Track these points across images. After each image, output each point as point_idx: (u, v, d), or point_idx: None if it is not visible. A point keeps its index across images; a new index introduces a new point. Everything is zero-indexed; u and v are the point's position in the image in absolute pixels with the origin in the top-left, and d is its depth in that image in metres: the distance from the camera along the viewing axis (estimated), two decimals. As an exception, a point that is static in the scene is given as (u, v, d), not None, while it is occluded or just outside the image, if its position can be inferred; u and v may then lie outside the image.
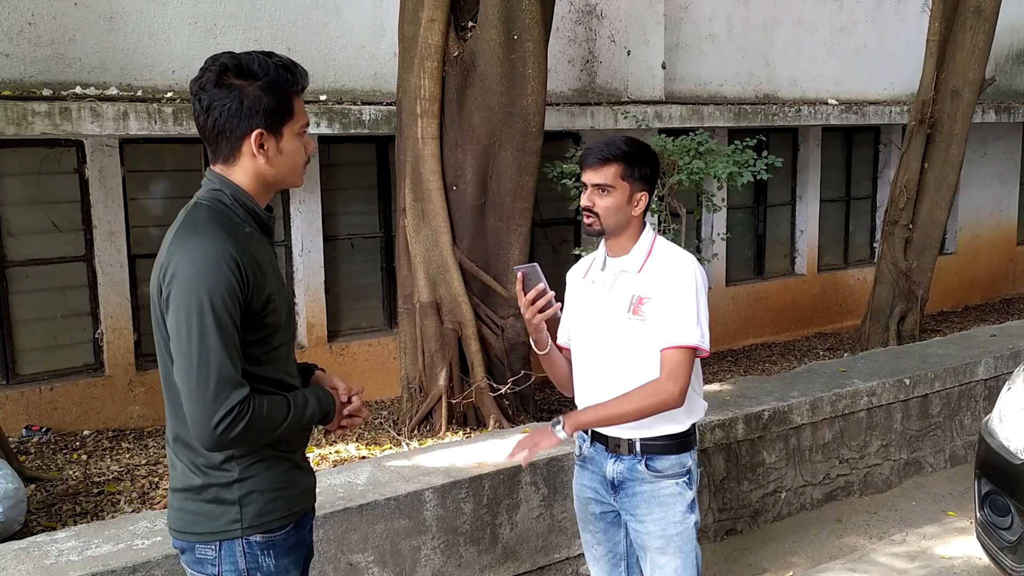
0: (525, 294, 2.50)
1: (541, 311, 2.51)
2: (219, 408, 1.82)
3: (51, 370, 6.43)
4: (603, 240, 2.68)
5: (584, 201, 2.59)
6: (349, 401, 2.19)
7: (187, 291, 1.84)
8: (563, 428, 2.53)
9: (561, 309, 2.65)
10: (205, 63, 1.97)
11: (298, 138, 2.03)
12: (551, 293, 2.45)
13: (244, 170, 1.99)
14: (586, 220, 2.59)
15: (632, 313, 2.55)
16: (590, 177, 2.57)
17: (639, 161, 2.57)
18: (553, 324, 2.67)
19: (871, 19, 10.19)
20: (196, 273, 1.84)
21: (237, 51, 2.00)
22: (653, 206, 2.62)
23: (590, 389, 2.69)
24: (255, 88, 1.94)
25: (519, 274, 2.47)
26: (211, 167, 2.03)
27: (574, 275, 2.81)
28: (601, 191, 2.55)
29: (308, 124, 2.07)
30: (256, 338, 1.95)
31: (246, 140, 1.96)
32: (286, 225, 7.24)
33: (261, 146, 1.97)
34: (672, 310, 2.51)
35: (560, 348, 2.81)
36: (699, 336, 2.49)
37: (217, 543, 1.97)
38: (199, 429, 1.84)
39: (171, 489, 2.05)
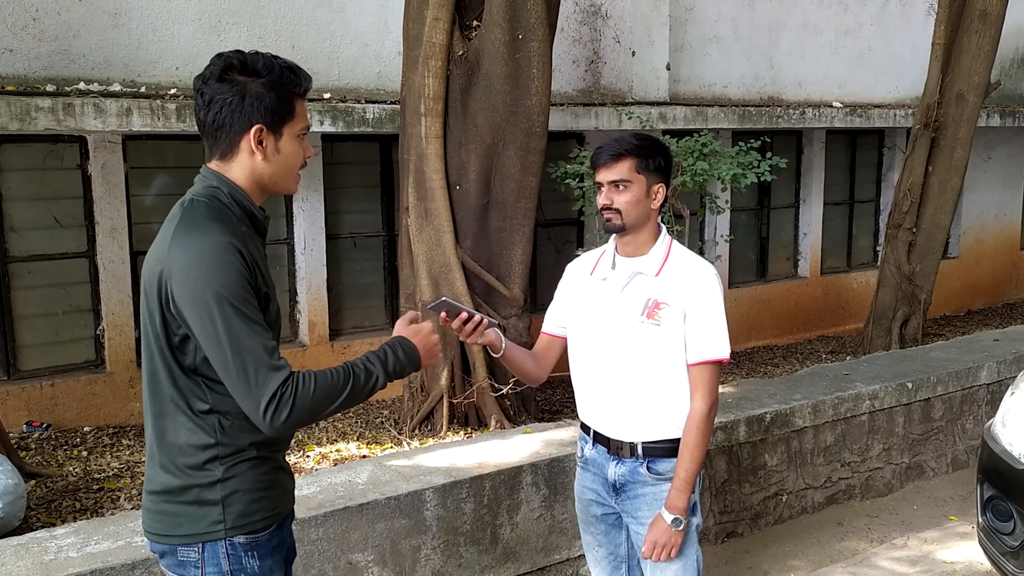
0: (452, 325, 2.41)
1: (475, 330, 2.41)
2: (263, 396, 1.81)
3: (52, 366, 6.42)
4: (614, 238, 2.66)
5: (602, 200, 2.56)
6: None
7: (201, 289, 1.82)
8: (680, 516, 2.54)
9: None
10: (211, 60, 1.96)
11: (297, 141, 2.02)
12: (478, 316, 2.39)
13: (241, 167, 1.98)
14: (607, 217, 2.56)
15: (646, 316, 2.54)
16: (605, 175, 2.55)
17: (652, 153, 2.55)
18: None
19: (876, 22, 10.18)
20: (207, 269, 1.83)
21: (244, 49, 2.00)
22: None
23: (595, 388, 2.68)
24: (258, 85, 1.93)
25: (440, 313, 2.39)
26: (206, 164, 2.01)
27: (578, 270, 2.79)
28: (618, 187, 2.53)
29: (308, 128, 2.06)
30: None
31: (245, 136, 1.95)
32: (288, 223, 7.23)
33: (260, 143, 1.96)
34: (703, 323, 2.53)
35: (552, 336, 2.79)
36: (728, 348, 2.56)
37: (200, 544, 1.93)
38: (255, 420, 1.85)
39: (147, 492, 2.00)
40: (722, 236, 8.71)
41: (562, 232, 8.54)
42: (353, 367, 1.97)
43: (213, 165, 2.00)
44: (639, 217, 2.56)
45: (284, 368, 1.85)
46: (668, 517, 2.54)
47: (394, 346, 2.08)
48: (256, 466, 1.97)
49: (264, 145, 1.96)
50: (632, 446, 2.60)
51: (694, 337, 2.53)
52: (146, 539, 2.02)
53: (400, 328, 2.15)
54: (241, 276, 1.85)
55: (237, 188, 1.98)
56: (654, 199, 2.57)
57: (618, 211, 2.54)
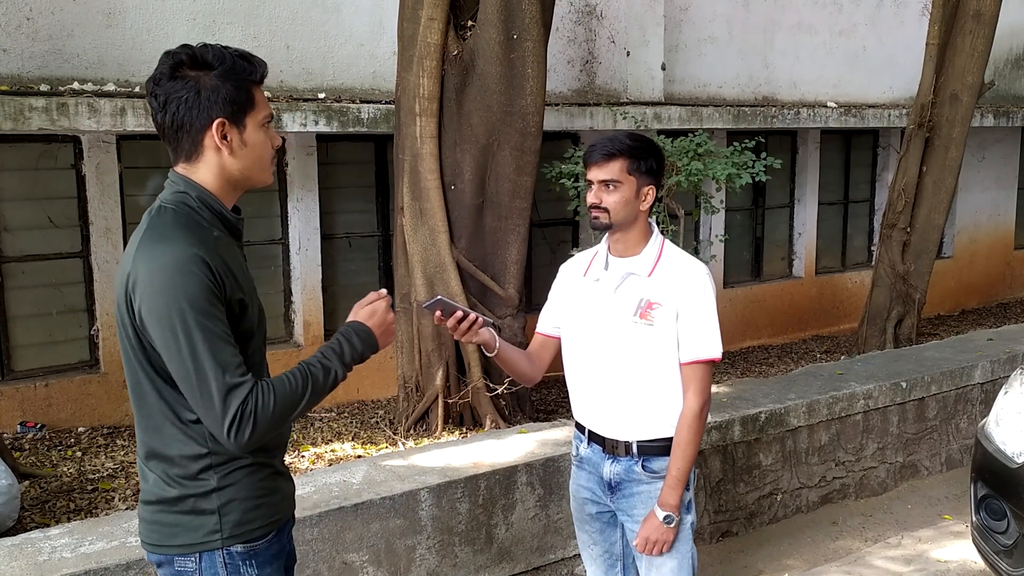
0: (447, 324, 2.41)
1: (470, 328, 2.41)
2: (225, 416, 1.77)
3: (46, 366, 6.40)
4: (606, 237, 2.66)
5: (591, 198, 2.57)
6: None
7: (164, 303, 1.77)
8: (672, 514, 2.55)
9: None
10: (160, 59, 1.89)
11: (263, 130, 1.95)
12: (473, 314, 2.40)
13: (208, 167, 1.91)
14: (594, 215, 2.57)
15: (639, 317, 2.55)
16: (596, 174, 2.56)
17: (644, 155, 2.55)
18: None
19: (871, 22, 10.20)
20: (170, 282, 1.77)
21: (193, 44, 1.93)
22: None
23: (590, 388, 2.68)
24: (212, 78, 1.86)
25: (435, 312, 2.39)
26: (173, 168, 1.95)
27: (572, 270, 2.79)
28: (608, 187, 2.54)
29: (272, 116, 1.99)
30: None
31: (207, 132, 1.88)
32: (283, 223, 7.22)
33: (224, 137, 1.89)
34: (695, 323, 2.54)
35: (547, 336, 2.79)
36: (720, 348, 2.57)
37: (197, 555, 1.90)
38: (220, 439, 1.82)
39: (143, 502, 1.97)
40: (717, 236, 8.71)
41: (557, 232, 8.54)
42: (310, 367, 1.92)
43: (180, 169, 1.93)
44: (627, 217, 2.56)
45: (245, 383, 1.80)
46: (660, 514, 2.55)
47: (348, 334, 2.02)
48: (252, 473, 1.94)
49: (229, 139, 1.90)
50: (627, 445, 2.61)
51: (686, 337, 2.54)
52: (143, 549, 1.99)
53: (355, 312, 2.08)
54: (206, 289, 1.79)
55: (205, 191, 1.91)
56: (643, 200, 2.58)
57: (606, 210, 2.54)
